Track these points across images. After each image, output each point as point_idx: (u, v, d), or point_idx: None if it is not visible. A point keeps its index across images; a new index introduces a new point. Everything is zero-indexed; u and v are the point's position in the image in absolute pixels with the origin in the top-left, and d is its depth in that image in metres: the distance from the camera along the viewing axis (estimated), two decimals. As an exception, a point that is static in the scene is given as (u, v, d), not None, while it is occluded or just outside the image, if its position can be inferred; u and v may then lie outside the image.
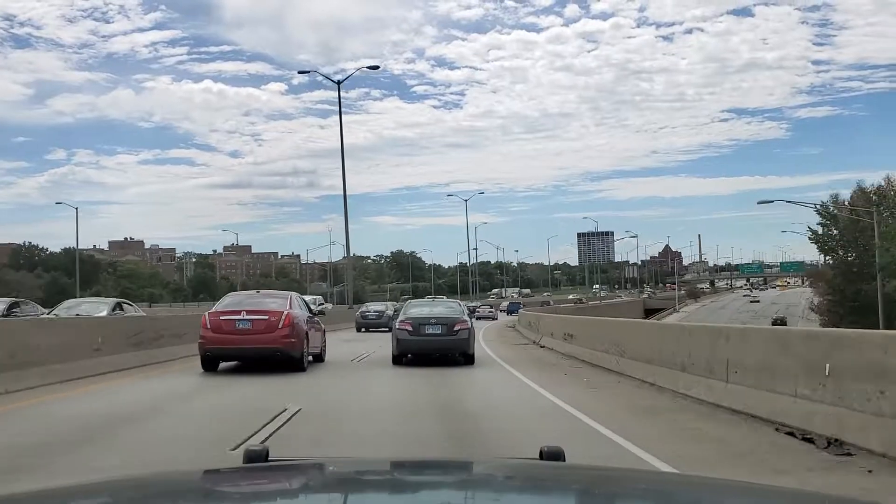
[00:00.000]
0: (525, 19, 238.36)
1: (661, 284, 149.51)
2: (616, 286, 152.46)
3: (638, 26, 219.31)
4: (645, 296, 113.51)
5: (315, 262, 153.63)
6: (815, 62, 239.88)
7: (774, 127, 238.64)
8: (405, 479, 2.06)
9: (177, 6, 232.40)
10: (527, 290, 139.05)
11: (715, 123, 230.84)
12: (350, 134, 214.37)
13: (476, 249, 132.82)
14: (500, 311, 66.14)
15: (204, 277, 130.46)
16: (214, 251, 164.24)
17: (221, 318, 13.92)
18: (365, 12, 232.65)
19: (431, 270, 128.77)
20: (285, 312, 14.03)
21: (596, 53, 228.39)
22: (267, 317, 13.90)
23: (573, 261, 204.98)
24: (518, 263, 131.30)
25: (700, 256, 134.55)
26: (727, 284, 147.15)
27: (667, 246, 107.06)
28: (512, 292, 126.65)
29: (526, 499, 1.83)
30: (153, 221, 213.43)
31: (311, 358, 14.64)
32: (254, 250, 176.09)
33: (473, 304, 61.30)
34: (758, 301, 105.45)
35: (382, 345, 19.46)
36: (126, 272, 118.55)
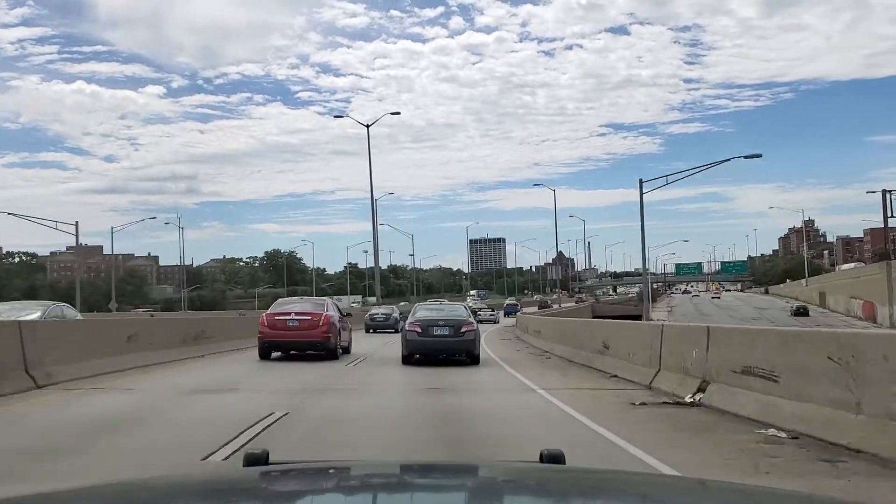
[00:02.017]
0: (410, 29, 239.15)
1: (559, 290, 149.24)
2: (526, 291, 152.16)
3: (521, 41, 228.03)
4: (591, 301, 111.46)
5: (179, 265, 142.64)
6: (687, 80, 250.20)
7: (648, 142, 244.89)
8: (404, 482, 2.08)
9: (46, 2, 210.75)
10: (483, 293, 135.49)
11: (593, 137, 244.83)
12: (231, 139, 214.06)
13: (367, 252, 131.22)
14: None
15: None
16: (52, 252, 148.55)
17: (276, 317, 18.26)
18: (248, 17, 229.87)
19: (313, 273, 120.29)
20: (324, 314, 18.35)
21: (480, 66, 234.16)
22: (310, 317, 18.19)
23: (463, 267, 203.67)
24: (415, 268, 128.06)
25: (589, 263, 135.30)
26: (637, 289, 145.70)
27: (559, 252, 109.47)
28: (472, 294, 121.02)
29: (526, 502, 1.86)
30: (21, 227, 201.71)
31: (341, 350, 18.95)
32: (133, 253, 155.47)
33: (474, 306, 63.92)
34: (719, 297, 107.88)
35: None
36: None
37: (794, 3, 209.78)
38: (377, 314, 38.43)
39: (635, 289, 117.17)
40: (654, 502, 1.83)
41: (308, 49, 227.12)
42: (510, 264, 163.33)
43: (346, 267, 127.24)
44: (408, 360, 16.61)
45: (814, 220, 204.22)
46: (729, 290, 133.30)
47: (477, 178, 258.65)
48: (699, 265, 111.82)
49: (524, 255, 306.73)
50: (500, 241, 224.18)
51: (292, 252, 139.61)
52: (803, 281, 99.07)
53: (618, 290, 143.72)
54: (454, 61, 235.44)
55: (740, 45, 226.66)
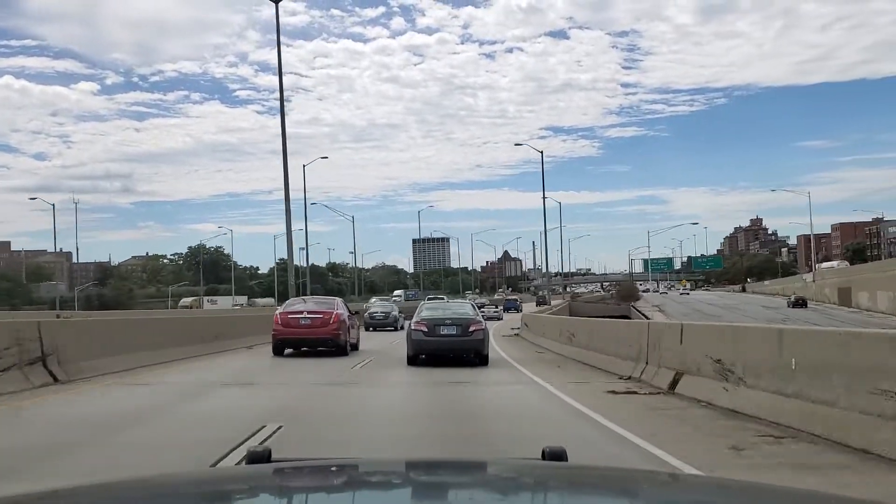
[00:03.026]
0: (351, 29, 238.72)
1: (509, 288, 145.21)
2: (478, 290, 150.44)
3: (462, 43, 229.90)
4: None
5: (94, 262, 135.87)
6: (625, 85, 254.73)
7: (588, 145, 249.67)
8: (407, 479, 2.07)
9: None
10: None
11: (534, 140, 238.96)
12: (167, 137, 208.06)
13: (302, 249, 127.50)
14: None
15: None
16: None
17: (289, 316, 19.23)
18: (185, 14, 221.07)
19: (235, 268, 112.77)
20: (334, 312, 19.33)
21: (422, 67, 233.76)
22: (321, 315, 19.16)
23: (407, 266, 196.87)
24: (355, 266, 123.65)
25: (534, 263, 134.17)
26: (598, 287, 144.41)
27: (506, 252, 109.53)
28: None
29: (528, 499, 1.85)
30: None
31: (350, 347, 19.91)
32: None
33: (480, 301, 62.41)
34: (687, 294, 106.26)
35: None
36: None
37: (728, 11, 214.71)
38: (377, 312, 38.06)
39: (590, 287, 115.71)
40: (657, 500, 1.84)
41: (247, 47, 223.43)
42: (456, 263, 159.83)
43: (277, 263, 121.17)
44: (413, 360, 16.27)
45: (762, 219, 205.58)
46: (687, 292, 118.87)
47: (419, 179, 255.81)
48: (670, 260, 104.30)
49: (469, 256, 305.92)
50: (445, 240, 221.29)
51: (219, 248, 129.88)
52: (806, 276, 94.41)
53: (567, 289, 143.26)
54: (396, 62, 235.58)
55: (676, 50, 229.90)
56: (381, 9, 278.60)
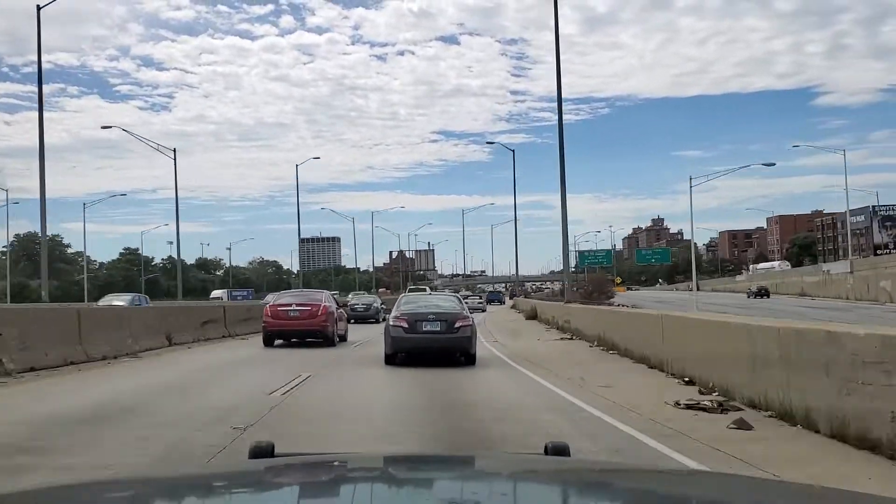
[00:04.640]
0: (239, 26, 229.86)
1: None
2: (371, 290, 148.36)
3: (353, 44, 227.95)
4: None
5: None
6: (513, 92, 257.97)
7: (478, 150, 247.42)
8: (410, 474, 2.07)
9: None
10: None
11: (426, 144, 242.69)
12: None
13: (171, 243, 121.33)
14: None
15: None
16: None
17: (279, 308, 19.87)
18: (62, 2, 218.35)
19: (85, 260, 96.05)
20: (322, 305, 20.04)
21: (312, 66, 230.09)
22: (310, 307, 19.85)
23: (294, 265, 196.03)
24: (229, 264, 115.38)
25: (429, 264, 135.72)
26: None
27: (400, 252, 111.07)
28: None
29: (531, 494, 1.85)
30: None
31: (338, 338, 20.62)
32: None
33: (464, 293, 63.46)
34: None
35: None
36: None
37: (611, 23, 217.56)
38: (358, 305, 39.05)
39: (490, 288, 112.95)
40: (659, 495, 1.83)
41: (129, 41, 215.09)
42: (346, 263, 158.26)
43: (122, 253, 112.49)
44: (391, 359, 14.63)
45: (663, 219, 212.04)
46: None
47: (309, 180, 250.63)
48: (608, 253, 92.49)
49: (362, 256, 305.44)
50: (335, 240, 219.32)
51: (56, 236, 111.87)
52: (829, 265, 77.87)
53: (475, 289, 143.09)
54: (285, 60, 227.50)
55: (563, 60, 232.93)
56: (270, 6, 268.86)
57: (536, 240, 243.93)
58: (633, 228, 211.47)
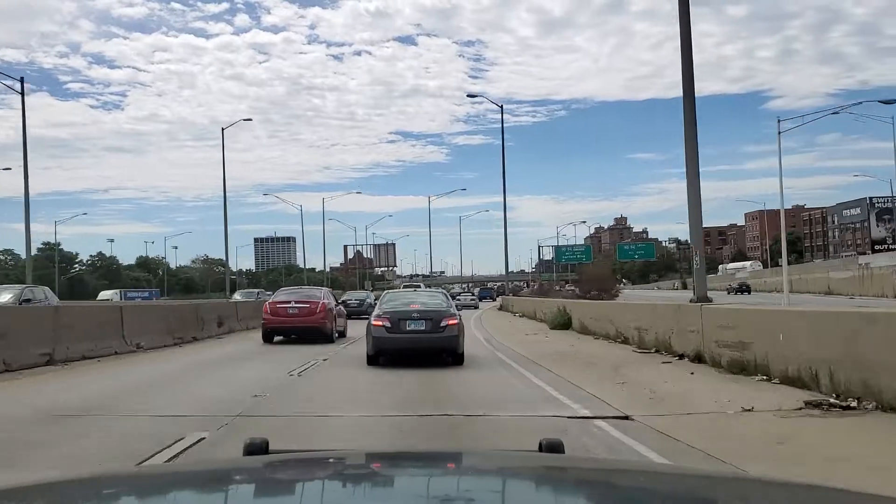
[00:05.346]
0: (193, 24, 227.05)
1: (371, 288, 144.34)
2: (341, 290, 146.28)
3: (309, 43, 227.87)
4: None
5: None
6: (471, 94, 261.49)
7: (436, 151, 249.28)
8: (404, 471, 2.06)
9: None
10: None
11: (383, 144, 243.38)
12: None
13: (112, 241, 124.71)
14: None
15: None
16: None
17: (278, 305, 19.88)
18: None
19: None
20: (321, 302, 20.10)
21: (268, 65, 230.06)
22: (309, 305, 19.90)
23: (249, 265, 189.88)
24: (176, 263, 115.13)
25: (389, 261, 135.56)
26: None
27: (357, 252, 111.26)
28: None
29: (525, 491, 1.85)
30: None
31: (337, 334, 20.67)
32: None
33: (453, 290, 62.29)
34: None
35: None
36: None
37: (567, 26, 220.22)
38: (351, 300, 38.95)
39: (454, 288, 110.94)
40: (655, 493, 1.83)
41: (79, 37, 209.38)
42: (302, 263, 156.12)
43: (40, 248, 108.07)
44: (374, 360, 13.75)
45: (626, 218, 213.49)
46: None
47: (264, 180, 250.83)
48: (587, 248, 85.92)
49: (319, 256, 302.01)
50: (290, 240, 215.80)
51: None
52: (862, 259, 71.22)
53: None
54: (240, 59, 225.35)
55: (520, 62, 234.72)
56: (225, 5, 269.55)
57: (495, 240, 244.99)
58: (595, 228, 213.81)
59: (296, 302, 20.02)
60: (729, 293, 72.44)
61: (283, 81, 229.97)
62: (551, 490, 1.84)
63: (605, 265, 68.48)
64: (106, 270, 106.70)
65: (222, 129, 41.25)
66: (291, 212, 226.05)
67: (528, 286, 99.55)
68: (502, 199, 47.61)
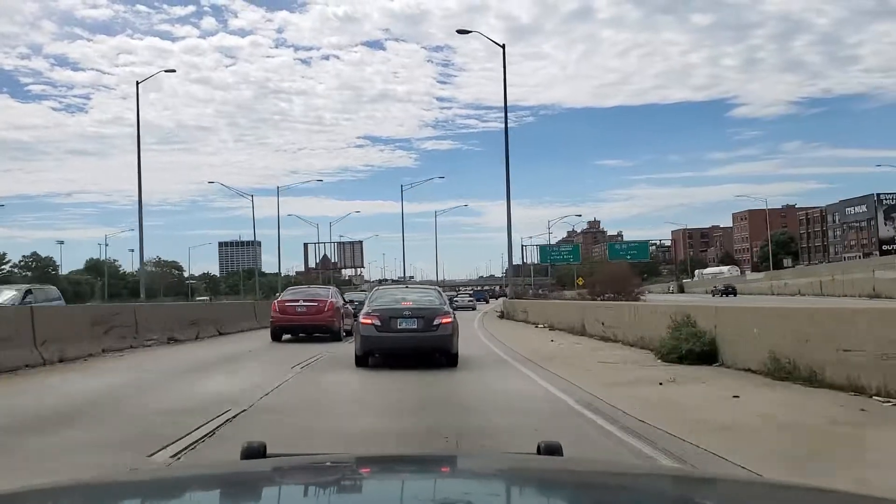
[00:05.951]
0: (159, 27, 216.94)
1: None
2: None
3: (276, 47, 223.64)
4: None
5: None
6: (440, 99, 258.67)
7: (405, 156, 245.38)
8: (403, 474, 2.04)
9: None
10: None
11: (351, 149, 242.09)
12: None
13: (62, 243, 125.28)
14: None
15: None
16: None
17: (286, 303, 19.91)
18: None
19: None
20: (329, 300, 20.18)
21: (234, 69, 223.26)
22: (317, 303, 19.98)
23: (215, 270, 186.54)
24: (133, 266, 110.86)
25: (355, 261, 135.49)
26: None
27: (325, 255, 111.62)
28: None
29: (524, 494, 1.85)
30: None
31: (345, 333, 20.70)
32: None
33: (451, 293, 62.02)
34: None
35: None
36: None
37: (535, 33, 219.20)
38: (352, 300, 38.95)
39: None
40: (653, 495, 1.83)
41: (42, 39, 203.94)
42: (267, 269, 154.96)
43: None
44: (363, 360, 13.11)
45: (599, 221, 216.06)
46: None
47: (231, 184, 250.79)
48: (575, 248, 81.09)
49: (285, 261, 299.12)
50: (256, 244, 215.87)
51: None
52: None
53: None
54: (206, 62, 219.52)
55: (488, 68, 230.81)
56: (191, 7, 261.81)
57: (464, 245, 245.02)
58: (568, 231, 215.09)
59: (304, 300, 20.10)
60: (714, 295, 72.21)
61: (250, 85, 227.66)
62: (550, 492, 1.81)
63: (622, 263, 60.79)
64: (41, 273, 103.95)
65: (137, 83, 38.81)
66: (258, 216, 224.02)
67: (500, 289, 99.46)
68: (505, 200, 47.35)
